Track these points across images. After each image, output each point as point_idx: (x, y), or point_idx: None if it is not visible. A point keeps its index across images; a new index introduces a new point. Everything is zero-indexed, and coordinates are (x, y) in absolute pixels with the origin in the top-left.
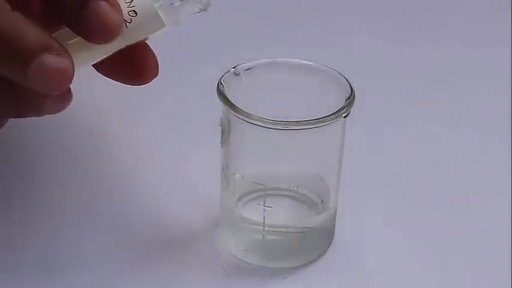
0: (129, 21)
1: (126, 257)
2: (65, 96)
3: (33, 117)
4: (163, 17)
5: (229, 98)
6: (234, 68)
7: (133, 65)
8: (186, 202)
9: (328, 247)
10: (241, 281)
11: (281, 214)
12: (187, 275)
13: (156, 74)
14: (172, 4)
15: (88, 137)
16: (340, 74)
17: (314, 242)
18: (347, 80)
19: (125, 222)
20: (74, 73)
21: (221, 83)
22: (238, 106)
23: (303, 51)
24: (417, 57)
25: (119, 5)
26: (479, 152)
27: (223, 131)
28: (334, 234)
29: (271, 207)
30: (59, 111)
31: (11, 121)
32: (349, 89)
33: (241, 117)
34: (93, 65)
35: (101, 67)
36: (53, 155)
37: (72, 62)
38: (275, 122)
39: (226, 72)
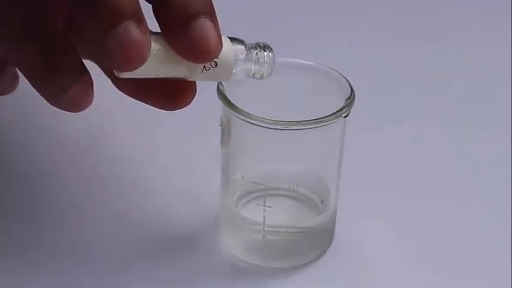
0: (207, 69)
1: (126, 257)
2: (15, 78)
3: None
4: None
5: (229, 98)
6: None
7: (171, 90)
8: (186, 202)
9: (328, 247)
10: (241, 281)
11: (281, 214)
12: (188, 275)
13: (191, 100)
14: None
15: (88, 138)
16: (340, 74)
17: (314, 242)
18: (347, 80)
19: (125, 222)
20: (146, 59)
21: (221, 83)
22: (238, 106)
23: (303, 51)
24: (417, 57)
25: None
26: (479, 152)
27: (223, 131)
28: (334, 234)
29: (271, 207)
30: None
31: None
32: (349, 89)
33: (241, 117)
34: (123, 85)
35: (136, 89)
36: (53, 155)
37: (150, 47)
38: (275, 122)
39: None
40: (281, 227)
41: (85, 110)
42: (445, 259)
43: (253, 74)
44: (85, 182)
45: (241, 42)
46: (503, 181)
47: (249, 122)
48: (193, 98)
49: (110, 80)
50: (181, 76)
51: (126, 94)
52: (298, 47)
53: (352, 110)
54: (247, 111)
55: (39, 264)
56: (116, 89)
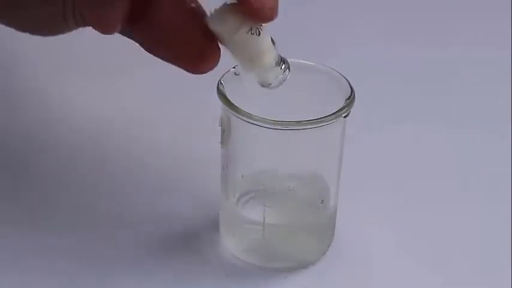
0: (252, 32)
1: (126, 257)
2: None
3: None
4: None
5: (229, 98)
6: (234, 68)
7: (197, 49)
8: (186, 202)
9: (328, 247)
10: (241, 281)
11: (281, 214)
12: (188, 275)
13: (215, 63)
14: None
15: (88, 138)
16: (340, 74)
17: (314, 242)
18: (347, 80)
19: (125, 223)
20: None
21: (221, 83)
22: (238, 106)
23: (303, 51)
24: (417, 57)
25: None
26: (479, 152)
27: (223, 131)
28: (334, 234)
29: (271, 207)
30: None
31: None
32: (349, 89)
33: (241, 117)
34: (154, 46)
35: (168, 46)
36: (53, 155)
37: None
38: (275, 122)
39: (226, 72)
40: (281, 226)
41: (85, 111)
42: (445, 259)
43: (267, 81)
44: (85, 182)
45: (274, 44)
46: (504, 181)
47: (249, 122)
48: (217, 62)
49: (168, 61)
50: (231, 28)
51: (150, 50)
52: (298, 47)
53: (352, 110)
54: (247, 111)
55: (39, 264)
56: (116, 89)
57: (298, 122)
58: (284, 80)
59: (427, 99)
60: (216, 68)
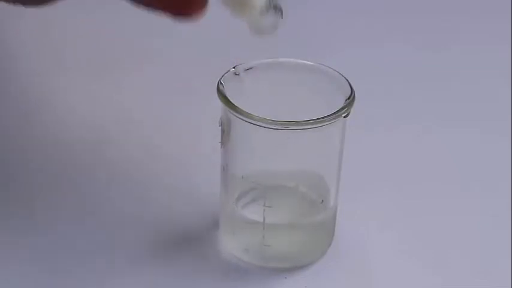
0: None
1: (126, 257)
2: None
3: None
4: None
5: (229, 98)
6: (234, 68)
7: None
8: (186, 202)
9: (329, 247)
10: (241, 281)
11: (281, 214)
12: (188, 274)
13: (203, 7)
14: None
15: (88, 138)
16: (340, 74)
17: (314, 242)
18: (347, 80)
19: (125, 222)
20: None
21: (221, 83)
22: (238, 106)
23: (303, 51)
24: (417, 58)
25: None
26: (480, 152)
27: (223, 131)
28: (334, 234)
29: (271, 207)
30: None
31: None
32: (349, 89)
33: (241, 117)
34: None
35: None
36: (53, 156)
37: None
38: (275, 122)
39: (226, 72)
40: (281, 226)
41: (86, 112)
42: (445, 259)
43: (260, 26)
44: (84, 182)
45: None
46: (504, 181)
47: (249, 122)
48: (205, 4)
49: (156, 10)
50: None
51: (130, 2)
52: (299, 47)
53: (352, 110)
54: (247, 111)
55: (38, 263)
56: (117, 89)
57: (298, 122)
58: (277, 25)
59: (427, 99)
60: (216, 68)
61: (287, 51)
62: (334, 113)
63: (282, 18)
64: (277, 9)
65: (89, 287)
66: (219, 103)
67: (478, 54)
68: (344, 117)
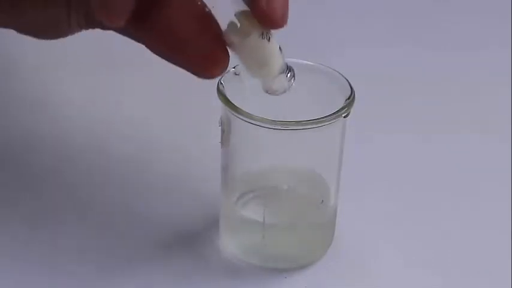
0: (263, 37)
1: (126, 257)
2: None
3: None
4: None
5: (229, 98)
6: (234, 68)
7: (206, 53)
8: (186, 202)
9: (329, 247)
10: (241, 281)
11: (281, 214)
12: (187, 274)
13: (225, 67)
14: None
15: (88, 139)
16: (340, 74)
17: (314, 242)
18: (347, 80)
19: (125, 222)
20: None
21: (221, 83)
22: (238, 106)
23: (303, 51)
24: (417, 58)
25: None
26: (480, 151)
27: (223, 131)
28: (334, 234)
29: (271, 207)
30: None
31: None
32: (349, 89)
33: (241, 117)
34: (163, 49)
35: (179, 51)
36: (53, 155)
37: None
38: (275, 122)
39: (227, 72)
40: (281, 226)
41: (84, 111)
42: (445, 259)
43: (273, 88)
44: (84, 182)
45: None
46: (503, 182)
47: (249, 122)
48: (227, 66)
49: (178, 65)
50: (243, 30)
51: (161, 55)
52: (299, 47)
53: (352, 110)
54: (247, 111)
55: (39, 263)
56: (117, 88)
57: (298, 122)
58: (289, 88)
59: (428, 99)
60: None
61: (287, 51)
62: (334, 113)
63: (295, 79)
64: (291, 73)
65: (89, 287)
66: (219, 103)
67: (479, 56)
68: (344, 117)
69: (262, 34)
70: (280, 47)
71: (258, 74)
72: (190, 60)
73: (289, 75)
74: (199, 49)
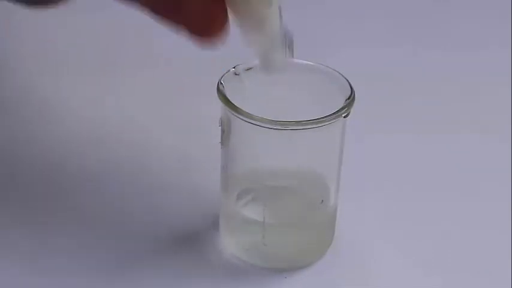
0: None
1: (126, 257)
2: None
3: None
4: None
5: (229, 98)
6: (234, 68)
7: (204, 13)
8: (186, 202)
9: (328, 247)
10: (241, 281)
11: (281, 214)
12: (187, 274)
13: (224, 29)
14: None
15: (88, 139)
16: (340, 74)
17: (314, 242)
18: (347, 80)
19: (124, 222)
20: None
21: (221, 83)
22: (238, 106)
23: (303, 51)
24: (418, 58)
25: None
26: (479, 152)
27: (223, 131)
28: (334, 234)
29: (271, 206)
30: None
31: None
32: (349, 89)
33: (241, 117)
34: (156, 8)
35: (172, 8)
36: (53, 155)
37: None
38: (275, 122)
39: (226, 72)
40: (281, 226)
41: (84, 111)
42: (445, 259)
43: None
44: (85, 183)
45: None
46: (503, 182)
47: (249, 122)
48: (226, 28)
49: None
50: None
51: (154, 14)
52: (299, 47)
53: (352, 110)
54: (247, 111)
55: (38, 264)
56: (115, 88)
57: (298, 122)
58: (287, 63)
59: (428, 99)
60: (216, 68)
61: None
62: (334, 113)
63: (293, 56)
64: (290, 47)
65: (89, 287)
66: (219, 103)
67: (479, 56)
68: (344, 117)
69: None
70: (280, 12)
71: (257, 41)
72: (187, 18)
73: (287, 49)
74: (196, 5)
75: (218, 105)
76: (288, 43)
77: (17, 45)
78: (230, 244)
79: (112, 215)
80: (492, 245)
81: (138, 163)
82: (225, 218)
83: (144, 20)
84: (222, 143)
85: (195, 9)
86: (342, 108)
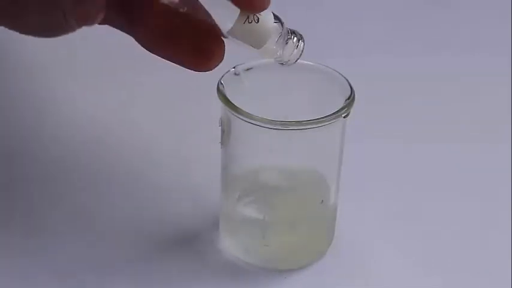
0: (250, 21)
1: (126, 257)
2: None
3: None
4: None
5: (229, 98)
6: (234, 68)
7: (200, 45)
8: (186, 202)
9: (328, 247)
10: (241, 281)
11: (281, 214)
12: (188, 275)
13: (220, 59)
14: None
15: (88, 139)
16: (340, 74)
17: (314, 242)
18: (347, 80)
19: (124, 223)
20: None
21: (221, 83)
22: (238, 106)
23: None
24: (418, 58)
25: None
26: (479, 153)
27: (223, 131)
28: (334, 234)
29: (271, 206)
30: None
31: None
32: (349, 89)
33: (241, 117)
34: (154, 47)
35: (169, 46)
36: (52, 155)
37: None
38: (275, 122)
39: (226, 72)
40: (281, 226)
41: (84, 111)
42: (445, 259)
43: (280, 56)
44: (84, 183)
45: (280, 22)
46: (503, 182)
47: (249, 122)
48: (223, 56)
49: (172, 60)
50: (224, 21)
51: (151, 50)
52: None
53: (352, 110)
54: (247, 111)
55: (37, 264)
56: (115, 89)
57: (298, 122)
58: (301, 53)
59: (428, 99)
60: (216, 68)
61: None
62: (334, 113)
63: (304, 42)
64: (297, 37)
65: (89, 287)
66: (219, 103)
67: (479, 56)
68: (344, 117)
69: (248, 18)
70: (278, 17)
71: (261, 54)
72: (181, 53)
73: (295, 39)
74: (189, 40)
75: (218, 105)
76: (294, 36)
77: (17, 45)
78: (230, 244)
79: (112, 215)
80: (492, 245)
81: (138, 163)
82: (225, 218)
83: None
84: (222, 143)
85: (189, 46)
86: (342, 109)
